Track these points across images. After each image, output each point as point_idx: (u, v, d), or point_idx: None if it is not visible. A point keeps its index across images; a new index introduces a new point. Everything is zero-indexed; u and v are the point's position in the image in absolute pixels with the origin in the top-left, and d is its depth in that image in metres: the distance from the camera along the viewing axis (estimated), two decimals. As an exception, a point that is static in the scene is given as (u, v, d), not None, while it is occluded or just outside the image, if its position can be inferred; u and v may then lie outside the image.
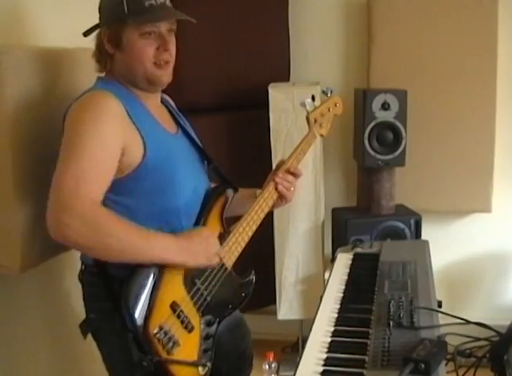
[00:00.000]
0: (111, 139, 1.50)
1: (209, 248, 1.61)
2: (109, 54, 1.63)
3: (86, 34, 1.68)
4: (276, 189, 1.80)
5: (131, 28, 1.57)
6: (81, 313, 1.67)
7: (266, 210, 1.79)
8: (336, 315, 1.67)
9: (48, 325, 2.07)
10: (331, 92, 1.99)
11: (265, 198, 1.78)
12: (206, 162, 1.82)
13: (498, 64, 3.03)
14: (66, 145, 1.49)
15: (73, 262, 1.71)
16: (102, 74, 1.69)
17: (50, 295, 2.09)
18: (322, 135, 1.99)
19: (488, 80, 3.04)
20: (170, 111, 1.78)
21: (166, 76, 1.64)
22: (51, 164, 1.61)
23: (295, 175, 1.83)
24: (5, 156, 1.64)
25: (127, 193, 1.54)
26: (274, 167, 1.90)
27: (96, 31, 1.66)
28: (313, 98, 1.92)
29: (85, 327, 1.61)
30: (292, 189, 1.83)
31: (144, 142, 1.55)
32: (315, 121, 1.95)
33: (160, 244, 1.52)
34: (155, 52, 1.60)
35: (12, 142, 1.65)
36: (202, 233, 1.63)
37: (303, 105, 1.90)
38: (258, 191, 1.80)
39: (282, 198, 1.83)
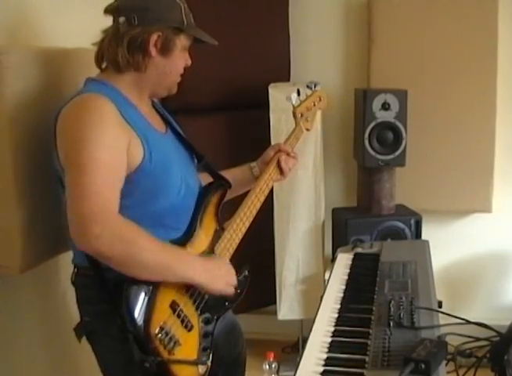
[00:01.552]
0: (117, 141, 1.48)
1: (229, 277, 1.63)
2: (146, 55, 1.59)
3: (121, 31, 1.60)
4: (279, 162, 1.88)
5: (182, 40, 1.63)
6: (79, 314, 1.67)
7: (258, 205, 1.80)
8: (336, 315, 1.67)
9: (47, 325, 2.07)
10: (315, 85, 2.00)
11: (257, 193, 1.80)
12: (196, 160, 1.82)
13: (498, 64, 3.03)
14: (74, 155, 1.46)
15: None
16: (93, 76, 1.66)
17: (49, 296, 2.08)
18: (308, 130, 2.01)
19: (488, 80, 3.04)
20: (157, 110, 1.78)
21: (177, 87, 1.73)
22: (51, 164, 1.61)
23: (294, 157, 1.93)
24: (5, 156, 1.64)
25: (126, 196, 1.52)
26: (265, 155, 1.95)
27: (124, 28, 1.58)
28: (298, 92, 1.94)
29: (79, 330, 1.60)
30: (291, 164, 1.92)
31: (142, 144, 1.54)
32: (302, 115, 1.97)
33: (185, 261, 1.53)
34: (183, 65, 1.69)
35: (12, 142, 1.64)
36: (224, 261, 1.65)
37: (289, 99, 1.92)
38: (252, 164, 1.89)
39: (280, 175, 1.91)
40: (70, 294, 1.70)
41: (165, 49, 1.60)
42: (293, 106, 1.95)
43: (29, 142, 1.69)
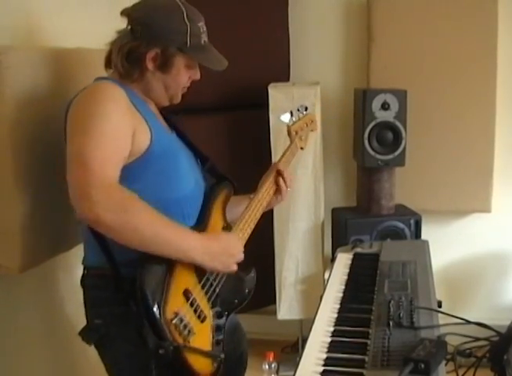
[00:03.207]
0: (125, 121, 1.51)
1: (231, 257, 1.60)
2: (143, 68, 1.61)
3: (120, 38, 1.63)
4: (276, 181, 1.84)
5: (184, 59, 1.63)
6: (80, 314, 1.66)
7: (261, 210, 1.80)
8: (336, 315, 1.67)
9: (47, 325, 2.07)
10: (306, 109, 2.09)
11: (259, 199, 1.79)
12: (201, 163, 1.83)
13: (498, 64, 3.03)
14: (80, 126, 1.48)
15: (73, 263, 1.71)
16: (103, 75, 1.68)
17: (49, 295, 2.08)
18: (302, 148, 2.05)
19: (488, 80, 3.04)
20: (162, 114, 1.79)
21: (181, 97, 1.74)
22: (51, 163, 1.62)
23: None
24: (5, 156, 1.64)
25: (133, 180, 1.53)
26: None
27: (126, 38, 1.61)
28: (291, 113, 2.00)
29: (90, 334, 1.58)
30: (288, 189, 1.88)
31: (150, 128, 1.56)
32: (296, 133, 2.02)
33: (187, 237, 1.51)
34: (187, 79, 1.70)
35: (12, 142, 1.65)
36: (230, 239, 1.63)
37: (283, 119, 1.99)
38: (251, 196, 1.82)
39: (277, 194, 1.87)
40: (74, 293, 1.69)
41: (164, 66, 1.62)
42: (288, 125, 2.01)
43: (29, 142, 1.69)
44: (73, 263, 1.75)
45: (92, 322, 1.61)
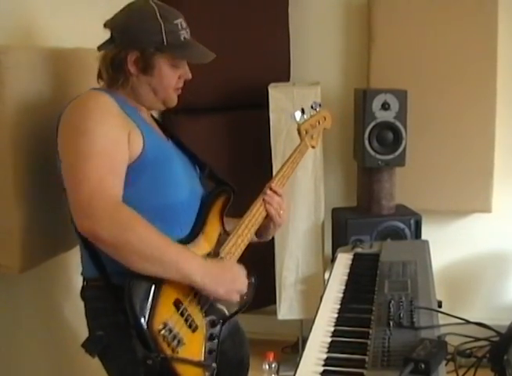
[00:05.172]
0: (117, 129, 1.51)
1: (234, 285, 1.58)
2: (127, 73, 1.61)
3: (100, 48, 1.64)
4: (265, 208, 1.78)
5: (166, 58, 1.62)
6: (80, 315, 1.67)
7: (253, 230, 1.75)
8: (336, 315, 1.67)
9: (47, 326, 2.07)
10: (319, 105, 2.05)
11: (251, 217, 1.75)
12: (199, 170, 1.82)
13: (498, 64, 3.03)
14: (74, 143, 1.48)
15: (73, 263, 1.71)
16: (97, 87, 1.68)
17: (49, 296, 2.08)
18: (313, 147, 2.02)
19: (488, 80, 3.04)
20: (156, 121, 1.80)
21: (176, 99, 1.72)
22: (51, 164, 1.61)
23: (279, 194, 1.81)
24: (5, 156, 1.64)
25: (127, 186, 1.52)
26: (274, 169, 1.90)
27: (110, 46, 1.62)
28: (303, 111, 1.97)
29: (93, 346, 1.56)
30: (281, 211, 1.81)
31: (142, 133, 1.56)
32: (306, 132, 1.99)
33: (188, 259, 1.50)
34: (177, 79, 1.68)
35: (12, 143, 1.65)
36: (233, 267, 1.62)
37: (293, 117, 1.96)
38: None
39: (270, 220, 1.80)
40: (70, 294, 1.70)
41: (146, 68, 1.61)
42: (298, 123, 1.97)
43: (29, 142, 1.69)
44: (74, 263, 1.75)
45: (94, 333, 1.60)
